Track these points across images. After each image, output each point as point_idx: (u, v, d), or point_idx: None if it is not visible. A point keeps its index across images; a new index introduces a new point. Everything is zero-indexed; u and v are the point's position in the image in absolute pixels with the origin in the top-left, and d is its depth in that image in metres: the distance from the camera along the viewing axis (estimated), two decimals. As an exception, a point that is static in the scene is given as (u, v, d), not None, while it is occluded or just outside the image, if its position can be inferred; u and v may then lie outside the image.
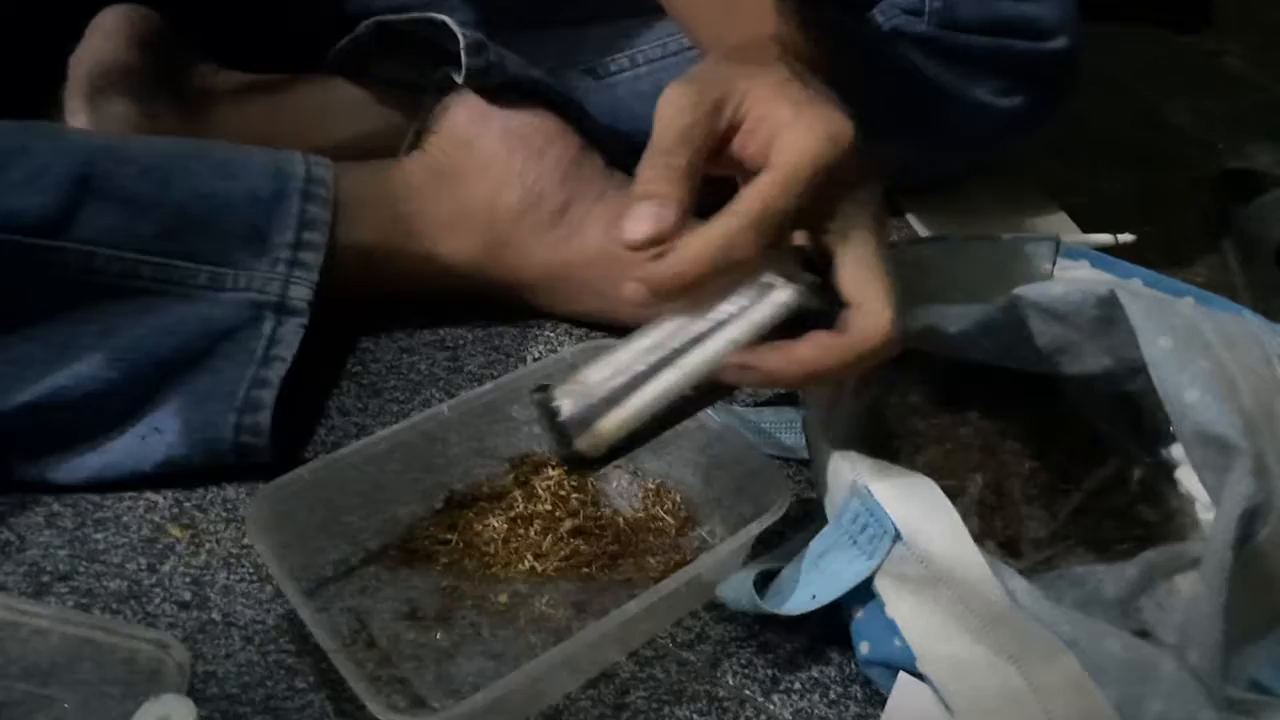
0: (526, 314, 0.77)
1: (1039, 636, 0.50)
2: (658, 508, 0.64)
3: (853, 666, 0.58)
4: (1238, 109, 1.15)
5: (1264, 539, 0.52)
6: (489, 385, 0.63)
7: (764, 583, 0.56)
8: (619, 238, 0.51)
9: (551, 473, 0.64)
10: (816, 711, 0.56)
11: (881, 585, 0.53)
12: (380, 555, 0.61)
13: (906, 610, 0.53)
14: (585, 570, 0.61)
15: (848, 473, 0.55)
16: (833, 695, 0.57)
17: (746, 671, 0.57)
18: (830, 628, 0.59)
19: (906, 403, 0.64)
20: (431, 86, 0.79)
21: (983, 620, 0.51)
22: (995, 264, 0.66)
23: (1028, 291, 0.62)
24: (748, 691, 0.57)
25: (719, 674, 0.57)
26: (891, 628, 0.53)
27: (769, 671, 0.57)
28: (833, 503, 0.56)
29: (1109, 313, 0.60)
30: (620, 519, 0.63)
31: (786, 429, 0.68)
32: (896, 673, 0.54)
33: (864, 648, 0.55)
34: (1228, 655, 0.50)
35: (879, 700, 0.56)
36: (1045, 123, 0.88)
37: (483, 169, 0.74)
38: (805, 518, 0.62)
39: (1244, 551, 0.51)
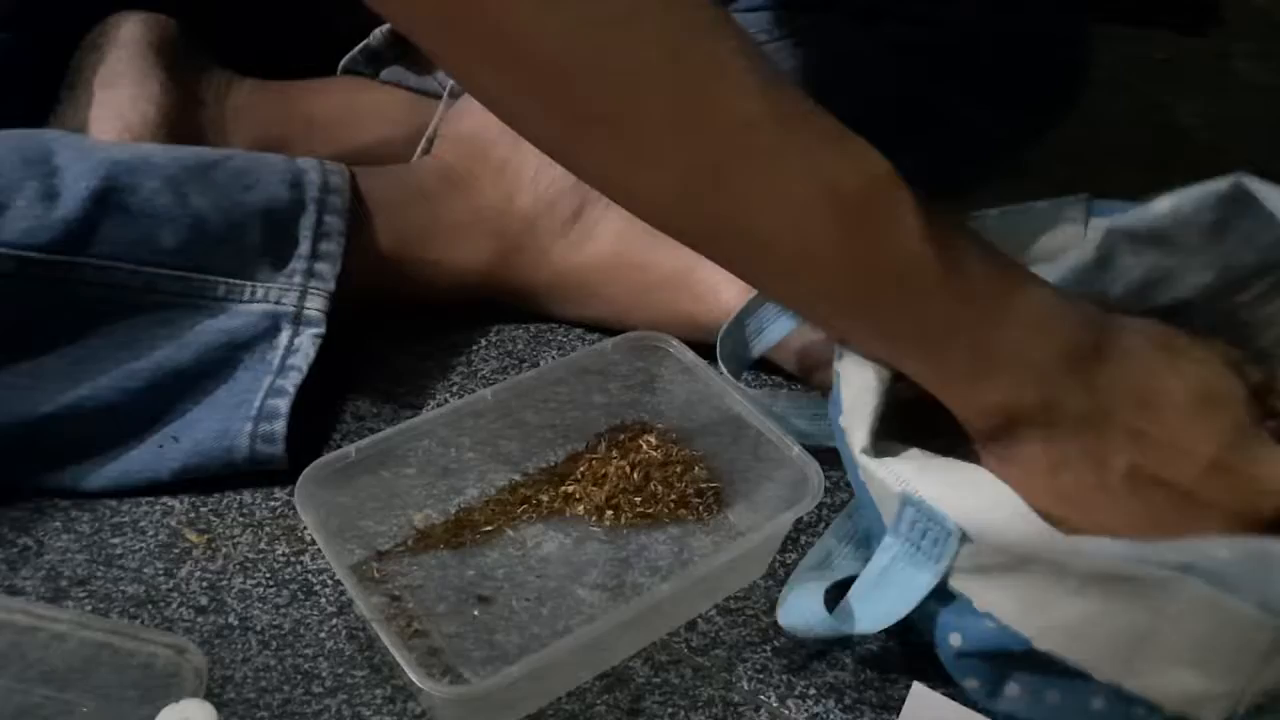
0: (539, 319, 0.77)
1: (1150, 572, 0.47)
2: (690, 490, 0.65)
3: (868, 672, 0.58)
4: (1246, 111, 1.15)
5: None
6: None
7: (827, 603, 0.55)
8: None
9: (610, 455, 0.66)
10: (831, 717, 0.56)
11: (961, 583, 0.52)
12: (424, 535, 0.62)
13: (999, 597, 0.51)
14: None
15: (893, 483, 0.53)
16: (848, 701, 0.57)
17: (761, 677, 0.58)
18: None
19: None
20: (445, 92, 0.79)
21: (1086, 579, 0.49)
22: (1031, 232, 0.64)
23: (1120, 220, 0.58)
24: (762, 697, 0.57)
25: (734, 679, 0.58)
26: (981, 617, 0.52)
27: (784, 676, 0.58)
28: (886, 512, 0.55)
29: (1225, 214, 0.56)
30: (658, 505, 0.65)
31: (809, 418, 0.67)
32: (989, 661, 0.53)
33: (955, 640, 0.53)
34: None
35: (894, 706, 0.56)
36: (1052, 131, 0.88)
37: (496, 174, 0.74)
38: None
39: None
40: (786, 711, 0.56)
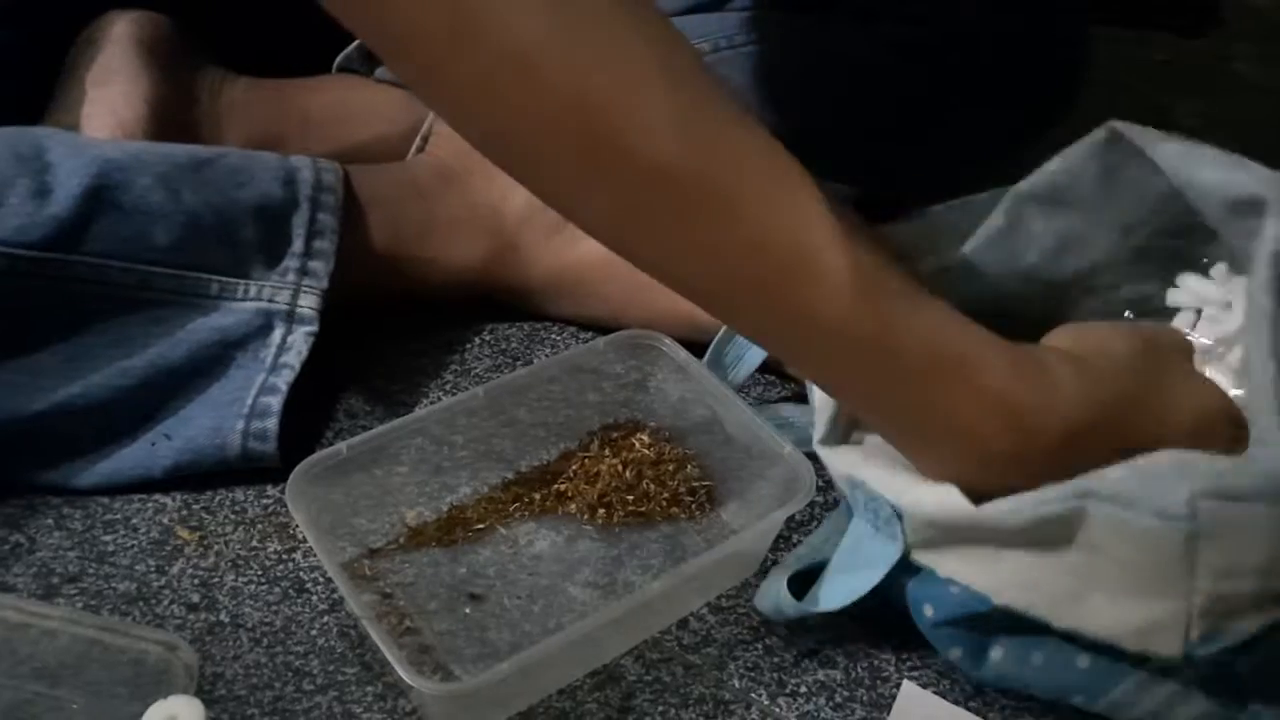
0: (533, 317, 0.77)
1: (1055, 510, 0.49)
2: (682, 488, 0.65)
3: (858, 670, 0.58)
4: (1245, 113, 1.14)
5: None
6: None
7: (797, 589, 0.56)
8: None
9: (603, 453, 0.66)
10: (822, 715, 0.56)
11: (922, 556, 0.53)
12: (416, 533, 0.62)
13: (955, 563, 0.52)
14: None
15: (844, 468, 0.55)
16: (838, 699, 0.57)
17: (752, 675, 0.58)
18: (835, 631, 0.59)
19: None
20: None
21: (1011, 534, 0.50)
22: (971, 224, 0.65)
23: (1022, 184, 0.62)
24: (753, 695, 0.57)
25: (725, 677, 0.58)
26: (946, 584, 0.53)
27: (775, 675, 0.58)
28: (848, 496, 0.57)
29: (1109, 163, 0.59)
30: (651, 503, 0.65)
31: (809, 422, 0.67)
32: (967, 629, 0.53)
33: (928, 611, 0.54)
34: None
35: (884, 705, 0.56)
36: (1050, 131, 0.88)
37: (490, 171, 0.73)
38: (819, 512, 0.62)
39: None
40: (777, 709, 0.56)
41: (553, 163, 0.46)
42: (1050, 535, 0.49)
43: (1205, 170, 0.56)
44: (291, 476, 0.58)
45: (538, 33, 0.43)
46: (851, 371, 0.50)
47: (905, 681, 0.57)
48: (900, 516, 0.53)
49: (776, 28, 0.80)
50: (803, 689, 0.57)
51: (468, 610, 0.59)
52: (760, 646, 0.59)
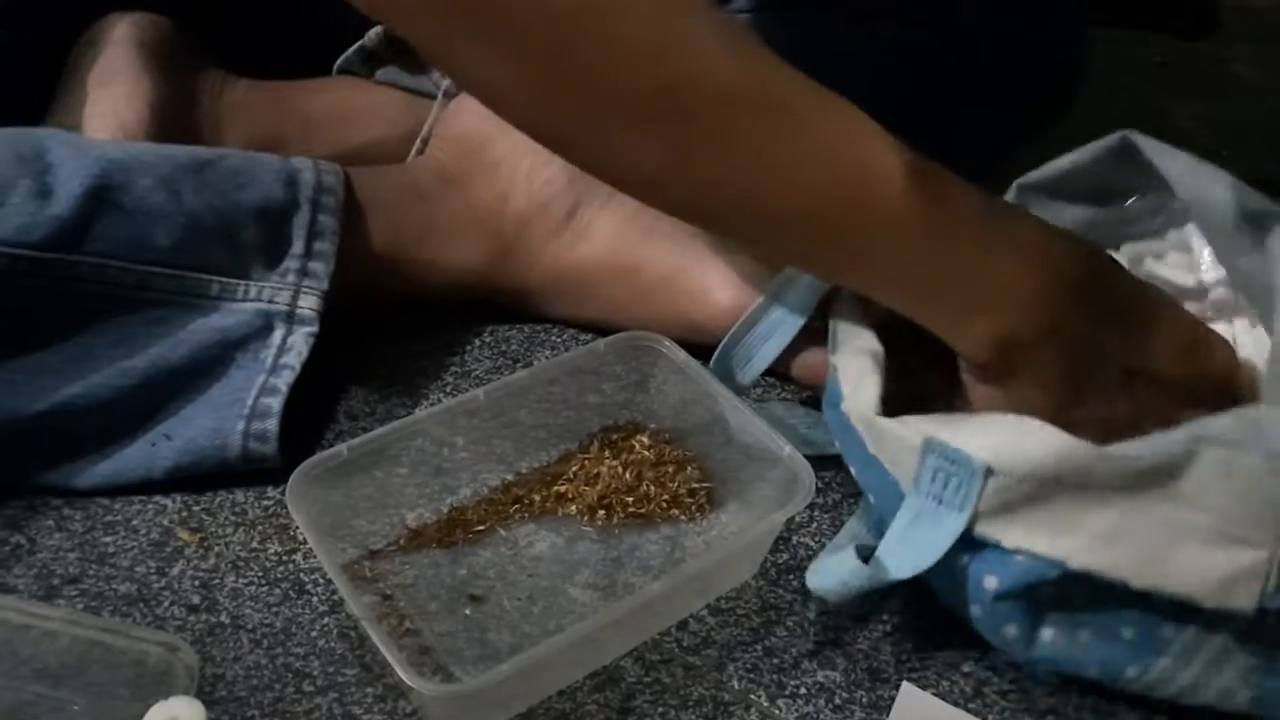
0: (533, 319, 0.77)
1: (1168, 455, 0.50)
2: (682, 490, 0.65)
3: (858, 671, 0.58)
4: (1244, 116, 1.15)
5: None
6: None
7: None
8: None
9: (604, 456, 0.66)
10: (822, 716, 0.56)
11: (988, 528, 0.53)
12: (416, 534, 0.62)
13: (1026, 532, 0.52)
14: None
15: (911, 436, 0.54)
16: (838, 700, 0.57)
17: (752, 676, 0.58)
18: (835, 633, 0.59)
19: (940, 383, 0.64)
20: (440, 92, 0.79)
21: (1108, 488, 0.51)
22: None
23: (1029, 176, 0.65)
24: (753, 696, 0.57)
25: (724, 678, 0.58)
26: (1013, 553, 0.53)
27: (774, 676, 0.58)
28: (904, 473, 0.55)
29: (1115, 167, 0.62)
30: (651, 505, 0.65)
31: (809, 425, 0.68)
32: (1025, 605, 0.54)
33: (990, 583, 0.54)
34: None
35: (884, 706, 0.56)
36: (1048, 132, 0.88)
37: (490, 174, 0.74)
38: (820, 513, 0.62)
39: None
40: (777, 711, 0.56)
41: (628, 109, 0.50)
42: (1155, 482, 0.50)
43: (1216, 187, 0.57)
44: (292, 478, 0.58)
45: None
46: (913, 261, 0.54)
47: (905, 683, 0.57)
48: (987, 474, 0.52)
49: (776, 29, 0.80)
50: (802, 690, 0.57)
51: (468, 612, 0.59)
52: (760, 648, 0.59)
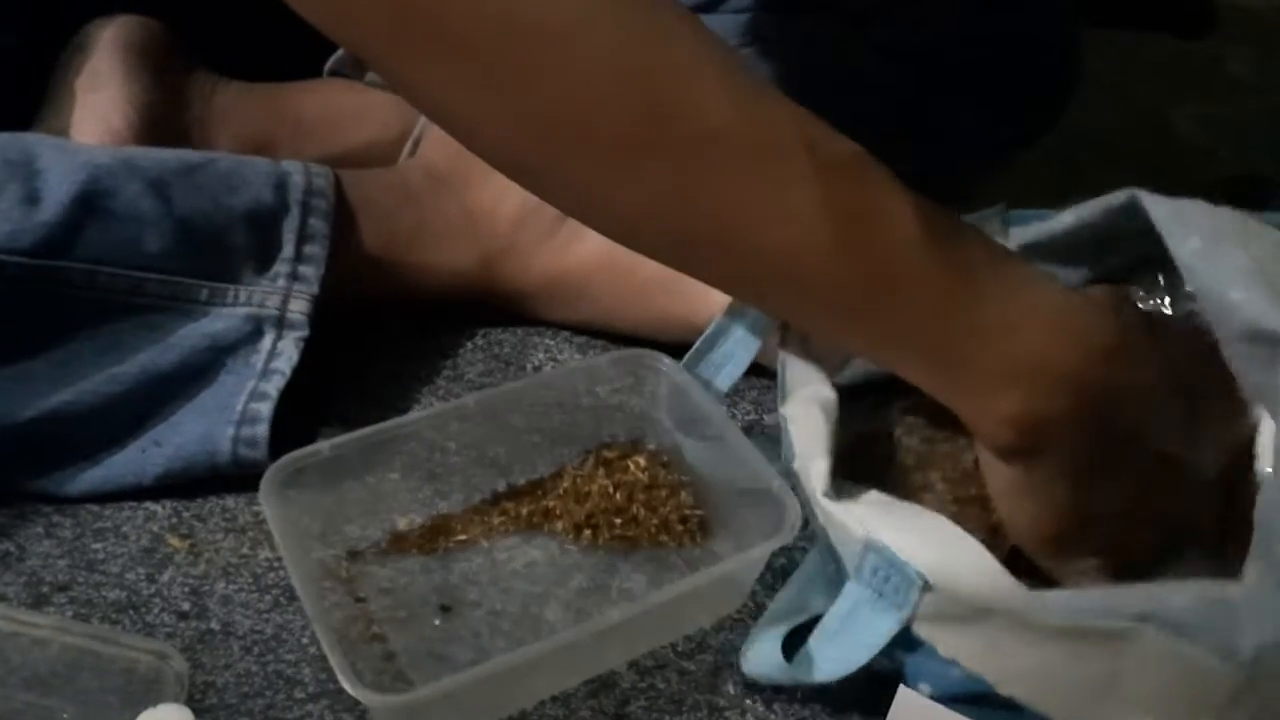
0: (526, 322, 0.77)
1: (1109, 624, 0.47)
2: (673, 516, 0.64)
3: (854, 676, 0.57)
4: (1242, 115, 1.14)
5: None
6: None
7: (788, 648, 0.55)
8: None
9: (588, 472, 0.65)
10: (817, 721, 0.56)
11: (924, 630, 0.51)
12: (398, 538, 0.62)
13: (961, 644, 0.51)
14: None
15: (856, 527, 0.52)
16: (833, 705, 0.57)
17: (748, 682, 0.57)
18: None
19: (904, 423, 0.60)
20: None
21: (1046, 630, 0.48)
22: None
23: (1026, 235, 0.58)
24: (749, 701, 0.56)
25: (720, 683, 0.57)
26: (947, 664, 0.51)
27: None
28: (848, 556, 0.54)
29: (1117, 224, 0.56)
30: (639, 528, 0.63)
31: None
32: (968, 705, 0.52)
33: (924, 689, 0.53)
34: None
35: (879, 711, 0.55)
36: (1043, 135, 0.88)
37: (483, 176, 0.74)
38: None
39: None
40: (773, 716, 0.56)
41: (603, 142, 0.45)
42: (1086, 642, 0.48)
43: (1234, 291, 0.49)
44: (266, 474, 0.57)
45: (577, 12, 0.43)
46: (918, 314, 0.49)
47: (901, 687, 0.56)
48: (924, 587, 0.50)
49: (772, 31, 0.80)
50: (798, 695, 0.57)
51: (436, 622, 0.58)
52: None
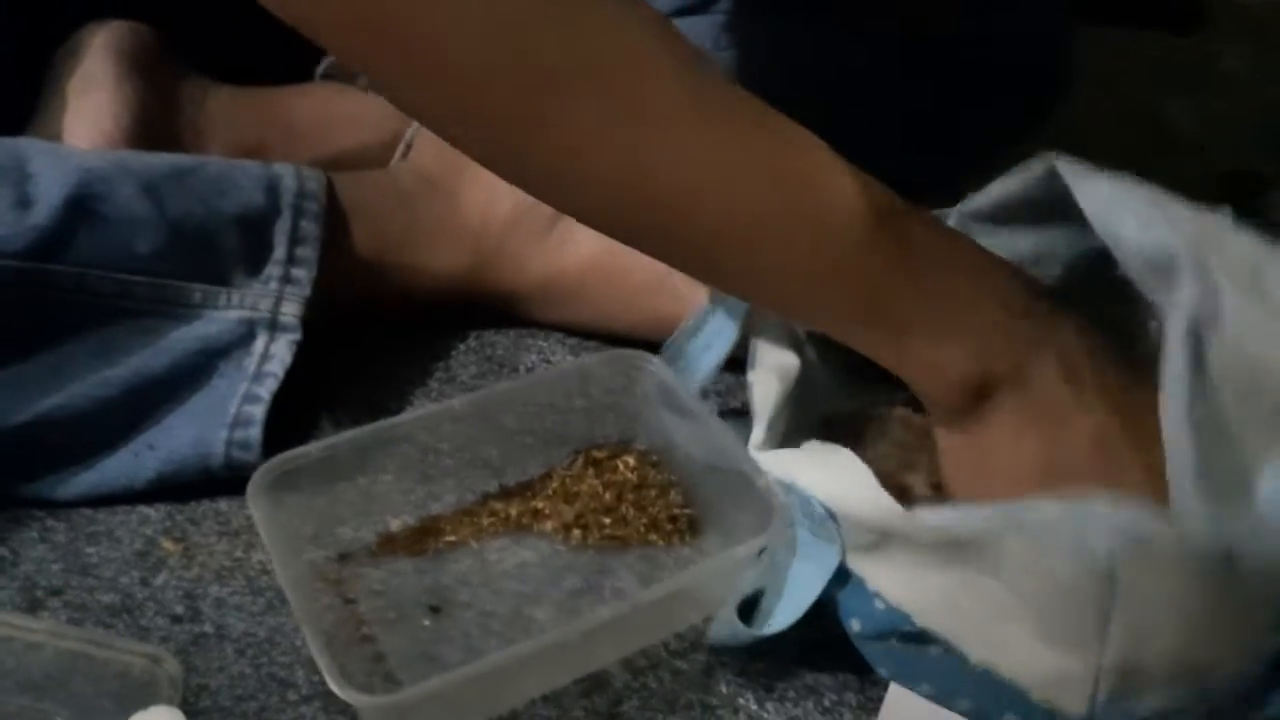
0: (519, 323, 0.77)
1: (973, 532, 0.49)
2: (663, 515, 0.64)
3: (846, 673, 0.57)
4: (1235, 111, 1.14)
5: (1216, 365, 0.49)
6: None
7: (749, 611, 0.56)
8: None
9: (580, 473, 0.65)
10: (810, 718, 0.56)
11: (856, 563, 0.53)
12: (387, 540, 0.62)
13: (882, 575, 0.52)
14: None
15: (778, 471, 0.55)
16: (827, 703, 0.57)
17: (740, 680, 0.57)
18: (823, 633, 0.59)
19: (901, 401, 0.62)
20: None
21: (938, 552, 0.50)
22: None
23: (966, 204, 0.61)
24: (741, 699, 0.57)
25: (713, 682, 0.57)
26: (873, 597, 0.53)
27: (763, 679, 0.57)
28: (791, 504, 0.56)
29: (1046, 195, 0.58)
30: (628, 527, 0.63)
31: None
32: (892, 643, 0.54)
33: (855, 625, 0.54)
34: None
35: (872, 707, 0.56)
36: (1038, 130, 0.87)
37: (475, 178, 0.74)
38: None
39: (1202, 382, 0.49)
40: (766, 714, 0.56)
41: (554, 124, 0.48)
42: (972, 560, 0.49)
43: (1127, 225, 0.52)
44: (254, 475, 0.57)
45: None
46: (865, 284, 0.52)
47: (893, 684, 0.56)
48: (834, 518, 0.52)
49: (763, 31, 0.80)
50: (791, 693, 0.57)
51: (426, 623, 0.58)
52: (748, 651, 0.58)
